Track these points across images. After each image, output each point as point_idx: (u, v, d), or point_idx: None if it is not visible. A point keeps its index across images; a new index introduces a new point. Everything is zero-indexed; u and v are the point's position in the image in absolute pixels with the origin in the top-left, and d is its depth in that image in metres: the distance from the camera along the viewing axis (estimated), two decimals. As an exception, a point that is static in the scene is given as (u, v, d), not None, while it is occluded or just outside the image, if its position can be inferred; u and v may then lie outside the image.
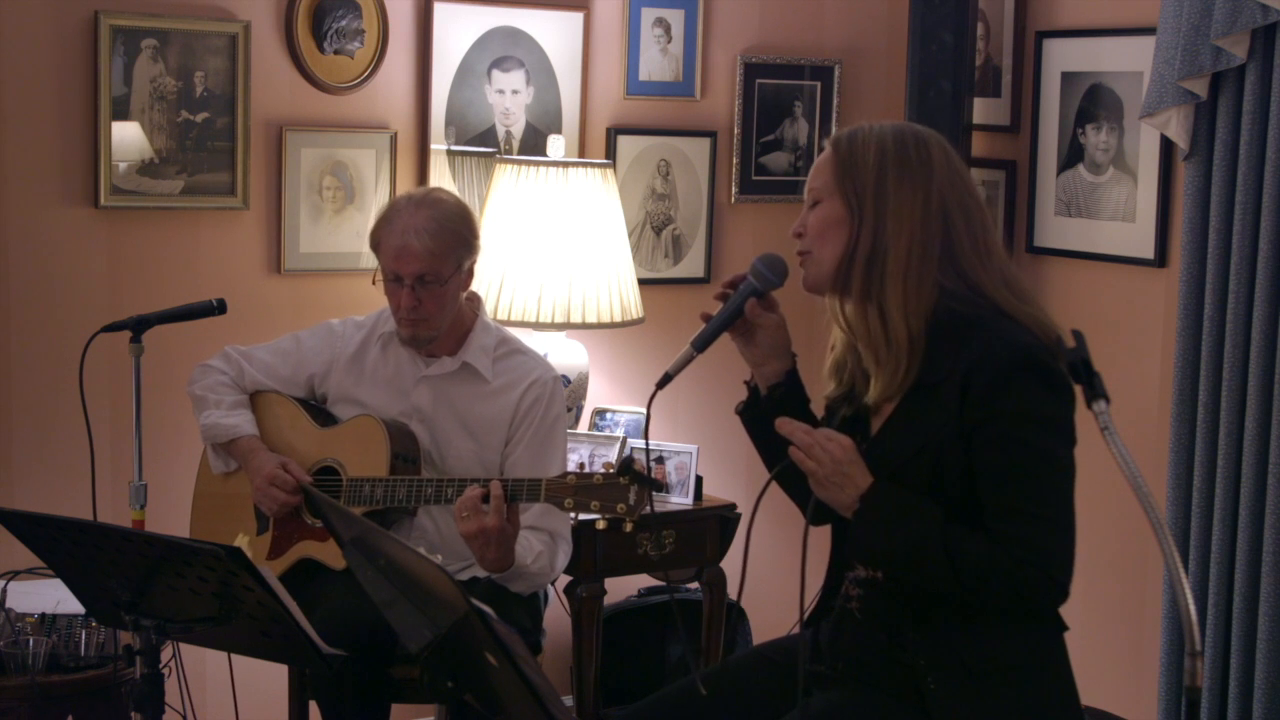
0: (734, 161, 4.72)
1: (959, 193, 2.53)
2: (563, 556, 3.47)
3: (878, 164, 2.52)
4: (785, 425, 2.54)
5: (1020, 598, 2.44)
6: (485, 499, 3.13)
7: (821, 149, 2.66)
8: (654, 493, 3.19)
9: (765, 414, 2.69)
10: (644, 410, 4.32)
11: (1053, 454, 2.45)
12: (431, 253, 3.39)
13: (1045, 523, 2.42)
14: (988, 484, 2.44)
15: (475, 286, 4.10)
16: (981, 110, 4.60)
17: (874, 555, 2.54)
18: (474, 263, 3.52)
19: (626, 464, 3.05)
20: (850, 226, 2.53)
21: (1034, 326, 2.49)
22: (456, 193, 4.26)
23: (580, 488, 3.08)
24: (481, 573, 3.49)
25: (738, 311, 2.67)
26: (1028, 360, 2.43)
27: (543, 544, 3.39)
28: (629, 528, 3.05)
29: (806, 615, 2.74)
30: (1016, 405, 2.42)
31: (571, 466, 3.68)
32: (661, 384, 2.66)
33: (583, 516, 3.21)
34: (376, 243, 3.48)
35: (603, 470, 3.09)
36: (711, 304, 2.74)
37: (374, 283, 3.50)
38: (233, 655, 3.49)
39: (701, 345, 2.66)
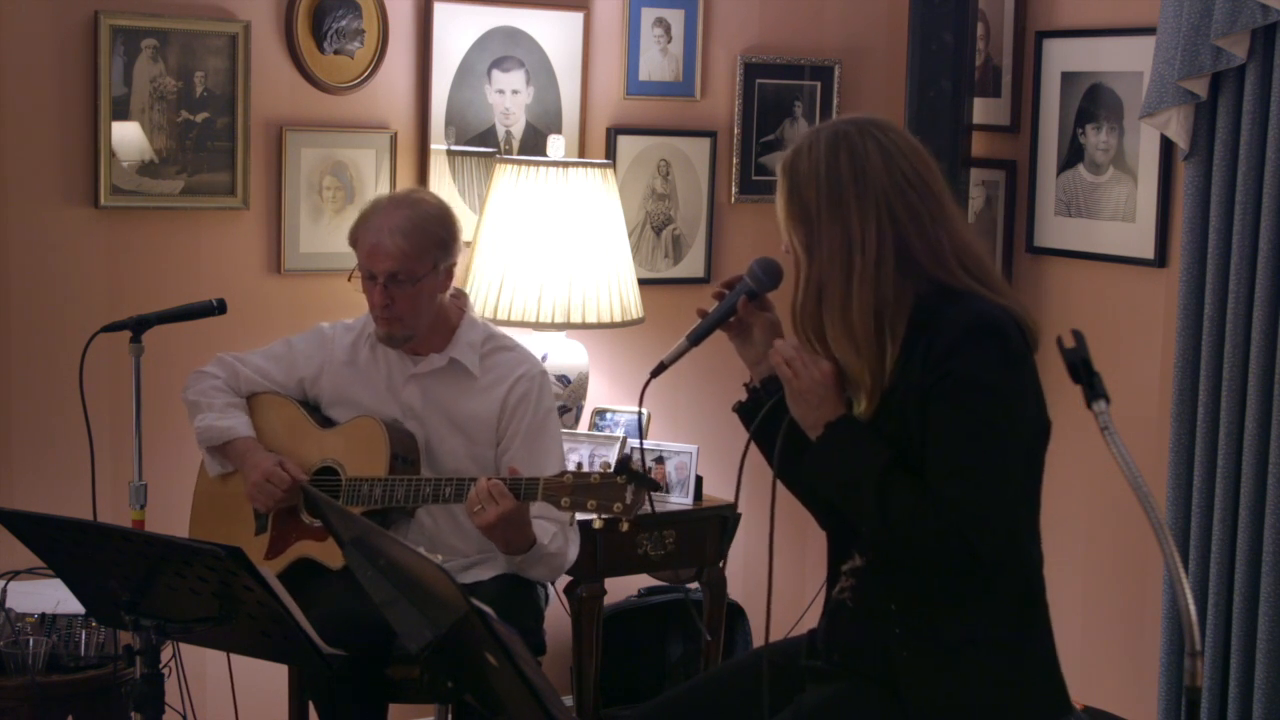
0: (734, 161, 4.72)
1: (901, 194, 2.51)
2: (574, 546, 3.48)
3: (815, 196, 2.52)
4: (779, 342, 2.62)
5: (939, 557, 2.46)
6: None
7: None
8: (652, 492, 3.19)
9: (759, 410, 2.71)
10: (644, 411, 4.32)
11: (996, 423, 2.45)
12: (404, 252, 3.40)
13: (973, 487, 2.43)
14: (931, 443, 2.46)
15: (475, 287, 4.11)
16: (981, 110, 4.60)
17: (819, 481, 2.59)
18: (453, 265, 3.52)
19: (623, 463, 3.06)
20: (803, 259, 2.56)
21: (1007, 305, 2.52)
22: (456, 193, 4.28)
23: (577, 487, 3.09)
24: (485, 574, 3.51)
25: (731, 310, 2.73)
26: (985, 325, 2.45)
27: (556, 527, 3.42)
28: (625, 527, 3.06)
29: (806, 612, 2.75)
30: (966, 368, 2.43)
31: (570, 467, 3.70)
32: (655, 373, 2.73)
33: (580, 516, 3.22)
34: (354, 240, 3.50)
35: (600, 470, 3.10)
36: (710, 303, 2.77)
37: (350, 280, 3.52)
38: (233, 655, 3.49)
39: (695, 339, 2.74)
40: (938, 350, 2.46)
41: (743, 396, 2.79)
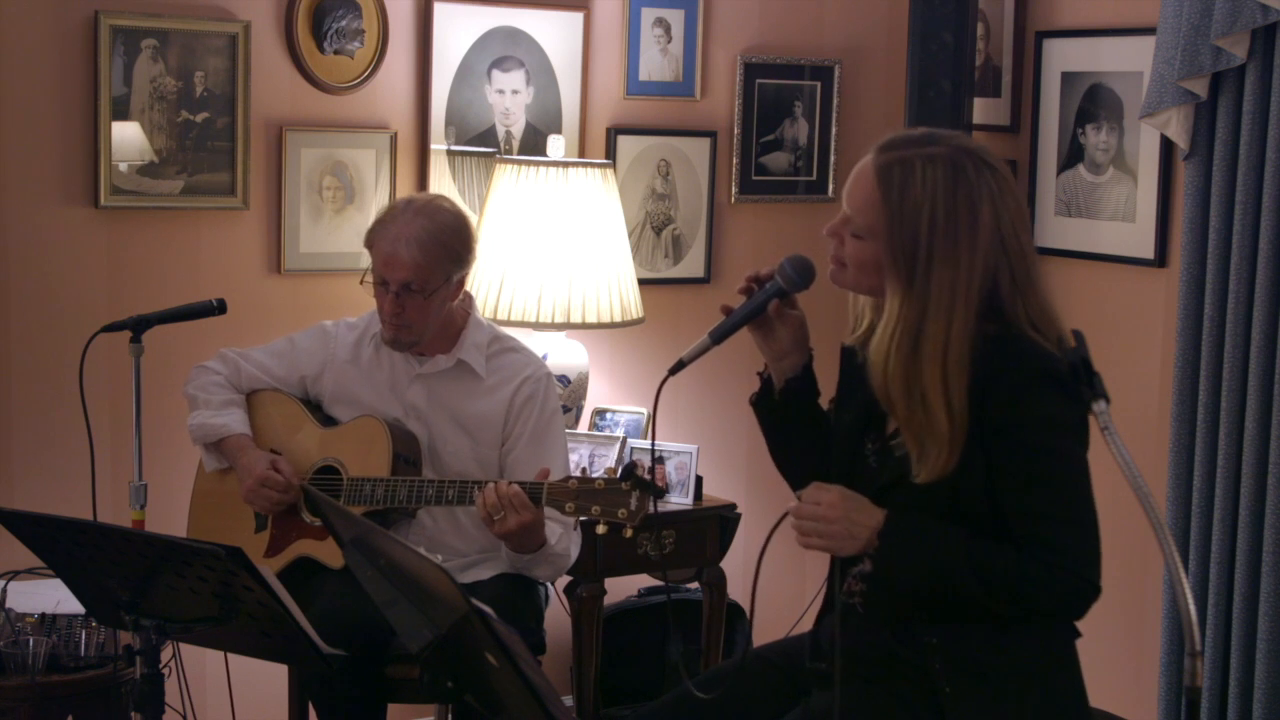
0: (734, 161, 4.72)
1: (1001, 251, 2.45)
2: (576, 546, 3.49)
3: (929, 232, 2.43)
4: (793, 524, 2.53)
5: (1057, 603, 2.44)
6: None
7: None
8: (655, 498, 3.20)
9: (778, 408, 2.70)
10: (644, 411, 4.33)
11: (1074, 457, 2.45)
12: (418, 264, 3.40)
13: (1072, 525, 2.42)
14: (1011, 492, 2.43)
15: (475, 287, 4.11)
16: (981, 110, 4.60)
17: (903, 588, 2.50)
18: (465, 275, 3.53)
19: (629, 469, 3.06)
20: (895, 299, 2.45)
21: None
22: (456, 193, 4.28)
23: (582, 492, 3.09)
24: (485, 574, 3.51)
25: (759, 309, 2.64)
26: (1044, 370, 2.42)
27: (561, 528, 3.42)
28: (629, 533, 3.06)
29: (806, 612, 2.74)
30: (1036, 412, 2.41)
31: (571, 467, 3.70)
32: (674, 370, 2.64)
33: (583, 520, 3.21)
34: (370, 243, 3.49)
35: (604, 475, 3.10)
36: (715, 301, 2.74)
37: (361, 282, 3.52)
38: (232, 655, 3.49)
39: (719, 337, 2.64)
40: (996, 399, 2.42)
41: (753, 394, 2.76)
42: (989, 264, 2.45)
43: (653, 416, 2.87)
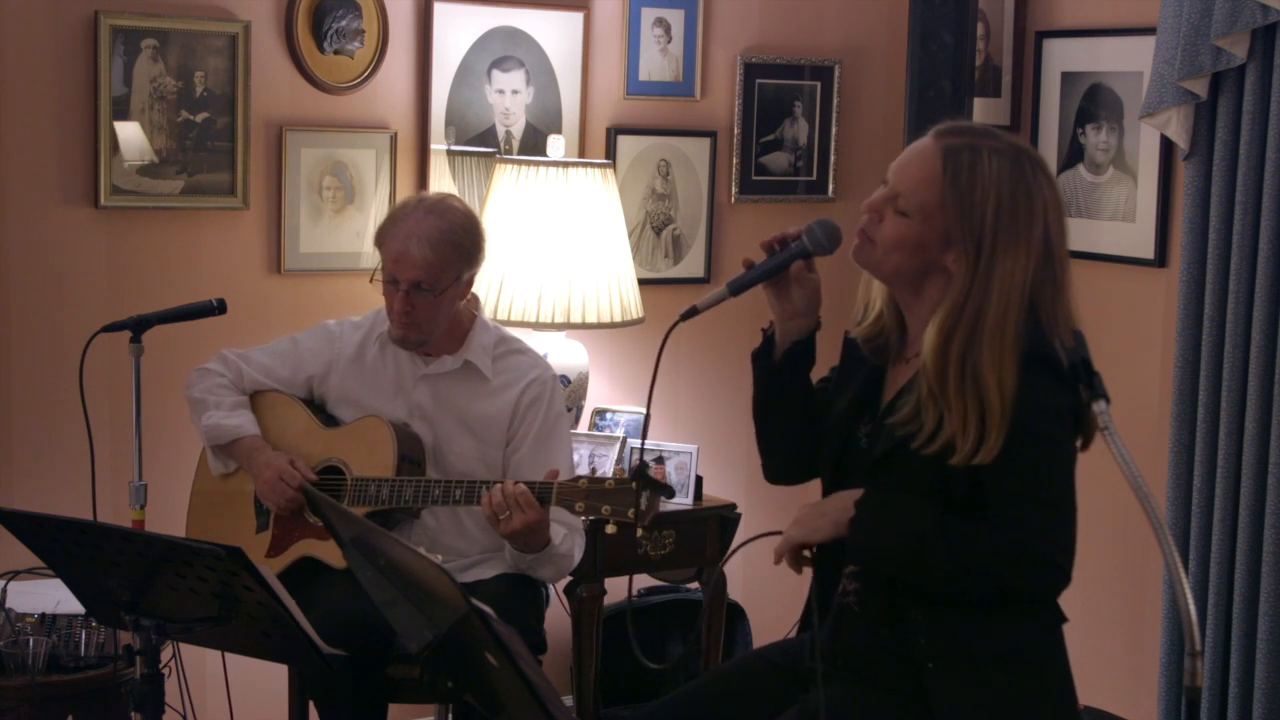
0: (734, 161, 4.72)
1: (1046, 251, 2.48)
2: (579, 549, 3.49)
3: (994, 219, 2.46)
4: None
5: (1023, 583, 2.46)
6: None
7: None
8: (666, 497, 3.21)
9: (776, 367, 2.71)
10: (644, 410, 4.32)
11: (1059, 442, 2.47)
12: (429, 263, 3.40)
13: (1048, 507, 2.44)
14: (993, 471, 2.44)
15: (475, 287, 4.11)
16: (981, 110, 4.60)
17: (874, 557, 2.54)
18: (474, 275, 3.53)
19: (639, 470, 3.07)
20: (961, 279, 2.48)
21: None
22: (456, 193, 4.27)
23: (592, 492, 3.10)
24: (486, 574, 3.51)
25: (782, 267, 2.65)
26: (1035, 353, 2.44)
27: (565, 528, 3.42)
28: (640, 533, 3.07)
29: (803, 615, 2.75)
30: (1025, 395, 2.42)
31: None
32: (686, 316, 2.63)
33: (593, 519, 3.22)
34: (380, 241, 3.49)
35: (614, 476, 3.11)
36: (758, 254, 2.72)
37: (371, 281, 3.52)
38: (231, 655, 3.49)
39: (737, 289, 2.65)
40: None
41: (756, 349, 2.76)
42: (1038, 263, 2.48)
43: (655, 367, 2.78)
